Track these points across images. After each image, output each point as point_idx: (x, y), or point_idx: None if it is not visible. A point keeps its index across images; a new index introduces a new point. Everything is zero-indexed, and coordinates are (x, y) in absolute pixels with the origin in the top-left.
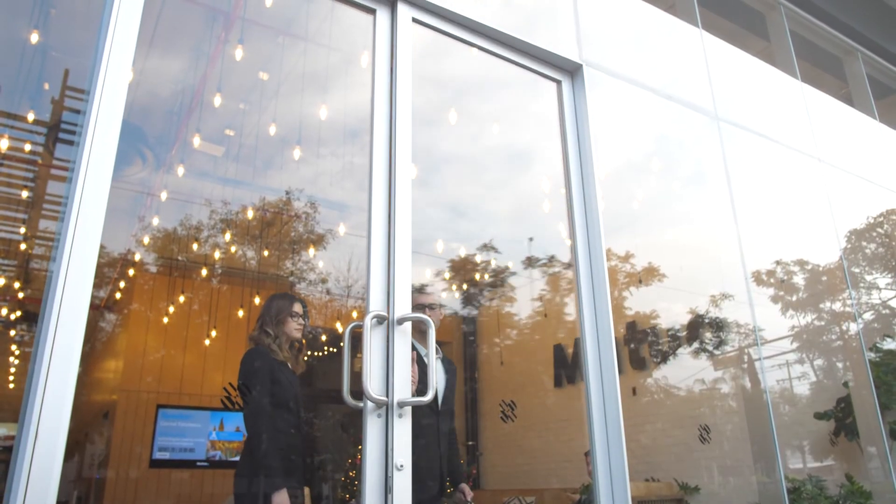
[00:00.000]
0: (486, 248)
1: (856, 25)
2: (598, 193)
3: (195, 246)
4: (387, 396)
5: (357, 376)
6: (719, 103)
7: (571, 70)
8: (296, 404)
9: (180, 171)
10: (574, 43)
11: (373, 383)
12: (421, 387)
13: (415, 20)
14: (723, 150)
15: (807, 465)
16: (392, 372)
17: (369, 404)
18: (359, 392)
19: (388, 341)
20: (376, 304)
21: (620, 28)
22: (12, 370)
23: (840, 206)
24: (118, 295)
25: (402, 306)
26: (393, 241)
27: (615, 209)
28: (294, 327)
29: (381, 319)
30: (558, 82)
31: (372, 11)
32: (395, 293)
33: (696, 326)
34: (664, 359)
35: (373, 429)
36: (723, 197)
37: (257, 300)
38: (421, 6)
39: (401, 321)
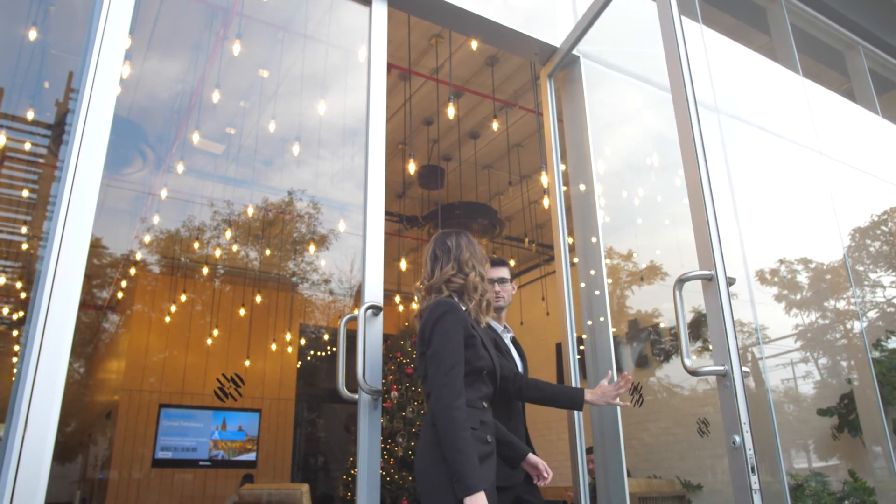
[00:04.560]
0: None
1: (858, 19)
2: (597, 190)
3: (196, 245)
4: (381, 386)
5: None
6: (720, 98)
7: (569, 63)
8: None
9: (180, 168)
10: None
11: (367, 374)
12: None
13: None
14: (723, 145)
15: (811, 465)
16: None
17: (364, 396)
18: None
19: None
20: (371, 296)
21: (619, 22)
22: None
23: (843, 202)
24: (120, 295)
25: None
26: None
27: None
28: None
29: (376, 311)
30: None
31: (367, 3)
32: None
33: (699, 325)
34: (667, 357)
35: (367, 420)
36: (724, 193)
37: (258, 299)
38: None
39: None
